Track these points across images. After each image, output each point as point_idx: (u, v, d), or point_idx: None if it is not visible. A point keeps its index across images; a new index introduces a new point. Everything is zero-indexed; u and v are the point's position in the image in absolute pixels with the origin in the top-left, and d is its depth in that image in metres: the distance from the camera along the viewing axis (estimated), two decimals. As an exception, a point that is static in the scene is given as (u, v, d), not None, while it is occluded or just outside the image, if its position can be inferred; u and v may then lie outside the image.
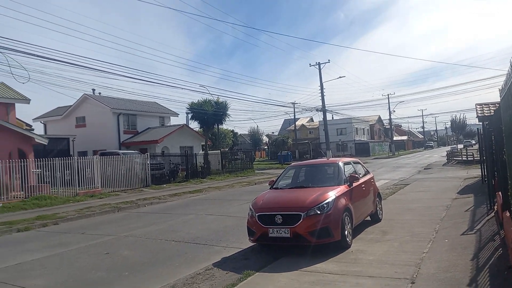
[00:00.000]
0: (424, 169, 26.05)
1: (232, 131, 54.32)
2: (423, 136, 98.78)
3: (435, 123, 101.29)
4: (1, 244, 8.67)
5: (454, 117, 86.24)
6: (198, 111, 27.58)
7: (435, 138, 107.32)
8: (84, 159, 18.10)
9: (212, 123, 29.13)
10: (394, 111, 59.16)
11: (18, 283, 5.62)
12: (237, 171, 29.94)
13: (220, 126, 32.98)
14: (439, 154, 46.68)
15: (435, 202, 10.81)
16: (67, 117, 30.98)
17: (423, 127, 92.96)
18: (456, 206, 9.86)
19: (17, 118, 21.64)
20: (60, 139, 25.49)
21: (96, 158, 18.41)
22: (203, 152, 28.80)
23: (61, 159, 16.91)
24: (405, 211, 9.70)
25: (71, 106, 30.95)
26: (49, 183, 16.54)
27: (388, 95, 57.46)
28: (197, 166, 26.44)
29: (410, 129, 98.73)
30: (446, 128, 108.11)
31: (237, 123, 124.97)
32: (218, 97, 29.35)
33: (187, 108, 28.95)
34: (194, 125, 31.93)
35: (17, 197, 14.96)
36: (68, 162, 17.05)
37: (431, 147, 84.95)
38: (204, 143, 30.00)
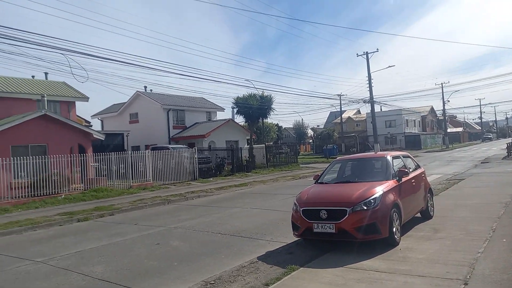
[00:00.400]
0: (481, 163, 24.39)
1: (277, 124, 54.38)
2: (480, 128, 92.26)
3: (494, 113, 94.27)
4: (64, 233, 9.44)
5: (516, 106, 79.61)
6: (243, 105, 27.91)
7: (494, 129, 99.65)
8: (137, 153, 19.09)
9: (257, 117, 29.35)
10: (448, 101, 55.87)
11: (79, 270, 6.11)
12: (281, 165, 29.96)
13: (264, 120, 33.17)
14: (498, 146, 43.36)
15: (492, 199, 10.12)
16: (121, 113, 32.76)
17: (480, 118, 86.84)
18: (518, 203, 9.16)
19: (77, 115, 23.29)
20: (115, 135, 27.01)
21: (148, 153, 19.33)
22: (248, 146, 29.13)
23: (116, 153, 17.97)
24: (458, 208, 9.19)
25: (125, 103, 32.69)
26: (105, 176, 17.65)
27: (442, 84, 54.20)
28: (242, 160, 26.82)
29: (466, 120, 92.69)
30: (507, 118, 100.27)
31: (281, 116, 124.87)
32: (263, 91, 29.51)
33: (233, 102, 29.42)
34: (240, 120, 32.40)
35: (77, 189, 16.14)
36: (122, 156, 18.07)
37: (490, 139, 78.99)
38: (249, 137, 30.34)
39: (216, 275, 5.41)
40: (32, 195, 14.45)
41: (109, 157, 17.62)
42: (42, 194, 14.63)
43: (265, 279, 5.10)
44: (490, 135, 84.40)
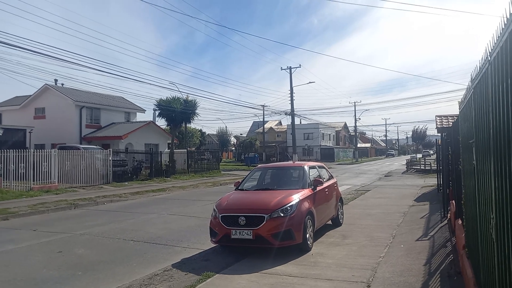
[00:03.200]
0: (385, 176, 27.00)
1: (200, 130, 53.81)
2: (385, 144, 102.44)
3: (397, 132, 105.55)
4: None
5: (415, 128, 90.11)
6: (166, 108, 27.05)
7: (396, 146, 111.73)
8: (41, 152, 17.22)
9: (180, 121, 28.65)
10: (359, 118, 60.95)
11: (-42, 282, 5.23)
12: (203, 171, 29.65)
13: (188, 125, 32.56)
14: (399, 162, 48.58)
15: (393, 208, 11.21)
16: (25, 107, 29.40)
17: (385, 136, 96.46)
18: (413, 213, 10.26)
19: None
20: (16, 130, 24.15)
21: (54, 152, 17.57)
22: (169, 150, 28.27)
23: (15, 151, 16.01)
24: (365, 216, 9.98)
25: (30, 96, 29.42)
26: (1, 176, 15.60)
27: (354, 102, 59.10)
28: (162, 164, 25.91)
29: (374, 137, 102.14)
30: (407, 137, 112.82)
31: (205, 122, 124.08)
32: (187, 95, 28.99)
33: (155, 104, 28.27)
34: (161, 123, 31.32)
35: (-36, 190, 13.98)
36: (23, 155, 16.17)
37: (392, 155, 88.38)
38: (170, 142, 29.46)
39: (126, 284, 5.07)
40: None
41: (7, 155, 15.62)
42: None
43: (179, 287, 4.92)
44: (393, 151, 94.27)
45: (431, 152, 73.49)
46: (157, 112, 29.09)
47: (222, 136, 64.74)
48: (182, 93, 30.09)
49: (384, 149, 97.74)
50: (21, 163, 16.11)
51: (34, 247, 7.26)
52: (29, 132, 24.68)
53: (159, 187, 18.81)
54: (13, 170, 15.77)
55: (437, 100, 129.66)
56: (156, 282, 5.14)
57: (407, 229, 8.16)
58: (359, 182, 22.02)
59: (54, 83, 29.58)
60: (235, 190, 7.65)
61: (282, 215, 6.10)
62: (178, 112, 27.09)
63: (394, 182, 21.75)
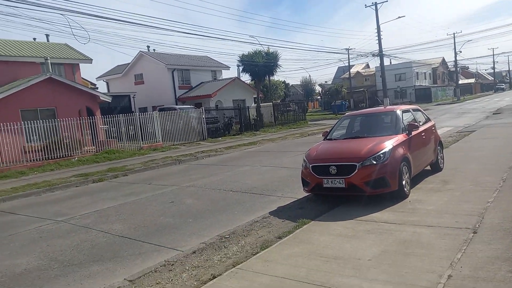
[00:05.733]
0: (493, 114, 23.99)
1: (284, 82, 53.51)
2: (493, 78, 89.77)
3: (508, 63, 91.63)
4: (80, 193, 9.74)
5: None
6: (248, 63, 27.36)
7: (508, 79, 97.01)
8: (145, 115, 19.16)
9: (263, 74, 28.85)
10: (460, 51, 54.06)
11: (98, 228, 6.37)
12: (289, 123, 29.87)
13: (271, 78, 32.61)
14: (511, 97, 42.49)
15: (503, 150, 10.07)
16: (126, 74, 32.49)
17: (493, 68, 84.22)
18: (529, 154, 9.11)
19: (82, 78, 23.15)
20: (122, 96, 26.98)
21: (156, 114, 19.38)
22: (256, 104, 28.93)
23: (124, 115, 18.06)
24: (469, 160, 9.18)
25: (129, 64, 32.29)
26: (115, 138, 17.88)
27: (454, 33, 52.28)
28: (250, 119, 26.77)
29: (479, 71, 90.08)
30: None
31: (288, 73, 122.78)
32: (268, 48, 28.78)
33: (238, 60, 28.76)
34: (246, 78, 31.91)
35: (89, 151, 16.44)
36: (131, 118, 18.18)
37: (503, 89, 77.18)
38: (256, 96, 30.05)
39: (230, 229, 5.59)
40: (46, 158, 14.79)
41: (117, 119, 17.74)
42: (56, 157, 14.96)
43: (278, 232, 5.27)
44: (503, 85, 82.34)
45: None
46: (240, 68, 29.67)
47: (306, 86, 63.52)
48: (263, 46, 30.06)
49: (492, 84, 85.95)
50: (130, 125, 18.19)
51: (151, 198, 8.37)
52: (133, 97, 27.41)
53: (249, 141, 19.65)
54: (124, 132, 17.94)
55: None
56: (256, 228, 5.58)
57: (521, 172, 7.33)
58: (462, 122, 20.02)
59: (147, 50, 31.83)
60: (324, 139, 7.63)
61: (374, 162, 5.96)
62: (260, 65, 27.22)
63: (505, 120, 19.26)
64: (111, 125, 17.68)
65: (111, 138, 17.82)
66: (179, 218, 6.54)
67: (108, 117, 17.48)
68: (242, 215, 6.36)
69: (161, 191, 9.01)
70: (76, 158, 15.20)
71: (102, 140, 17.39)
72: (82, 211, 7.67)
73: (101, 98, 19.11)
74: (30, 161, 14.45)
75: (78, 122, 16.32)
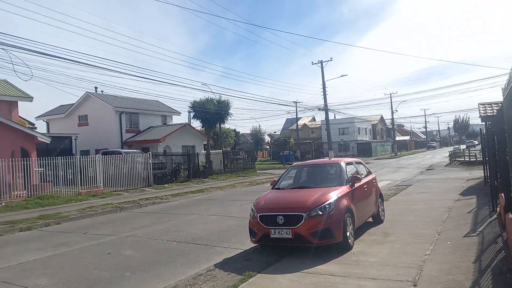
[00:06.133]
0: (427, 170, 26.00)
1: (234, 130, 54.42)
2: (425, 136, 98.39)
3: (438, 123, 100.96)
4: (4, 243, 8.71)
5: (457, 117, 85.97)
6: (200, 109, 27.60)
7: (438, 138, 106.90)
8: (87, 158, 18.15)
9: (214, 122, 29.14)
10: (396, 110, 59.10)
11: (21, 283, 5.65)
12: (239, 171, 29.95)
13: (222, 125, 33.09)
14: (442, 154, 46.55)
15: (437, 204, 10.79)
16: (69, 115, 31.08)
17: (425, 127, 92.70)
18: (459, 208, 9.83)
19: (20, 117, 21.71)
20: (63, 138, 25.59)
21: (99, 157, 18.45)
22: (205, 151, 28.82)
23: (63, 158, 16.97)
24: (407, 212, 9.68)
25: (73, 104, 31.06)
26: (51, 182, 16.59)
27: (390, 94, 57.12)
28: (199, 165, 26.46)
29: (413, 129, 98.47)
30: (448, 128, 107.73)
31: (239, 122, 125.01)
32: (220, 96, 29.41)
33: (189, 106, 28.95)
34: (196, 124, 32.00)
35: (19, 196, 15.01)
36: (70, 161, 17.11)
37: (434, 147, 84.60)
38: (206, 143, 30.04)
39: (172, 284, 5.25)
40: (-33, 203, 13.23)
41: (55, 162, 16.60)
42: (-22, 202, 13.43)
43: (223, 286, 5.03)
44: (434, 143, 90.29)
45: (476, 142, 69.67)
46: (191, 114, 29.85)
47: (256, 135, 65.02)
48: (214, 93, 30.56)
49: (424, 142, 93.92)
50: (69, 169, 17.05)
51: (85, 249, 7.68)
52: (75, 139, 26.08)
53: (197, 188, 19.24)
54: (62, 176, 16.74)
55: (479, 87, 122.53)
56: (200, 282, 5.29)
57: (453, 225, 7.84)
58: (399, 177, 21.36)
59: (94, 91, 31.00)
60: (272, 189, 7.68)
61: (320, 213, 6.06)
62: (212, 113, 27.56)
63: (437, 175, 20.90)
64: (47, 168, 16.44)
65: (47, 182, 16.50)
66: (116, 272, 6.02)
67: (45, 159, 16.30)
68: (186, 268, 6.02)
69: (97, 242, 8.33)
70: (4, 204, 13.77)
71: (36, 184, 16.02)
72: (3, 264, 6.79)
73: (39, 138, 17.91)
74: None
75: (10, 163, 15.02)
